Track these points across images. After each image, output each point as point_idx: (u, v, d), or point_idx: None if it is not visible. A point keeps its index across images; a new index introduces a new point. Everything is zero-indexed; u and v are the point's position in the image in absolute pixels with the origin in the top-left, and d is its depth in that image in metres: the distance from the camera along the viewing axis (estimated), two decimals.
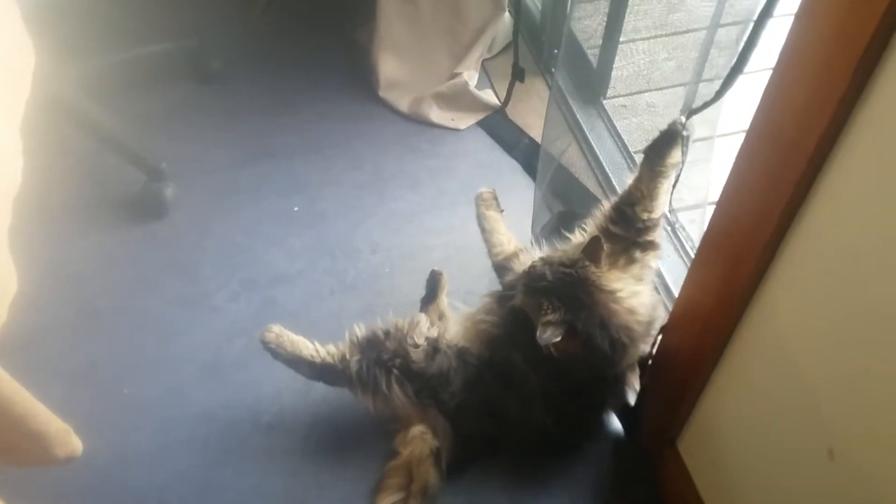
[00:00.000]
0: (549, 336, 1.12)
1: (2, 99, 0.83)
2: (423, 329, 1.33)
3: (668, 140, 1.25)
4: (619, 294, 1.18)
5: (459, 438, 1.33)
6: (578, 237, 1.31)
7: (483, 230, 1.45)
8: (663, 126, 1.27)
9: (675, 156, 1.26)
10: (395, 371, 1.30)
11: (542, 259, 1.23)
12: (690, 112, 1.29)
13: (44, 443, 0.83)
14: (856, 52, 0.72)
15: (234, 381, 1.49)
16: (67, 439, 0.86)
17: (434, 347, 1.31)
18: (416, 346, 1.31)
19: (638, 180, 1.27)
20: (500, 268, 1.38)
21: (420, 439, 1.32)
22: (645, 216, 1.25)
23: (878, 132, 0.75)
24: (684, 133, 1.24)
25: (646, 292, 1.24)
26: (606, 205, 1.30)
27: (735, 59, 1.20)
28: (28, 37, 0.92)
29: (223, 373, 1.50)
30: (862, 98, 0.75)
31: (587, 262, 1.18)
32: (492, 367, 1.30)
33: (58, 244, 1.67)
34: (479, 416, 1.31)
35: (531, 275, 1.21)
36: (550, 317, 1.14)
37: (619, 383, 1.33)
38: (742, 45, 1.18)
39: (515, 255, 1.38)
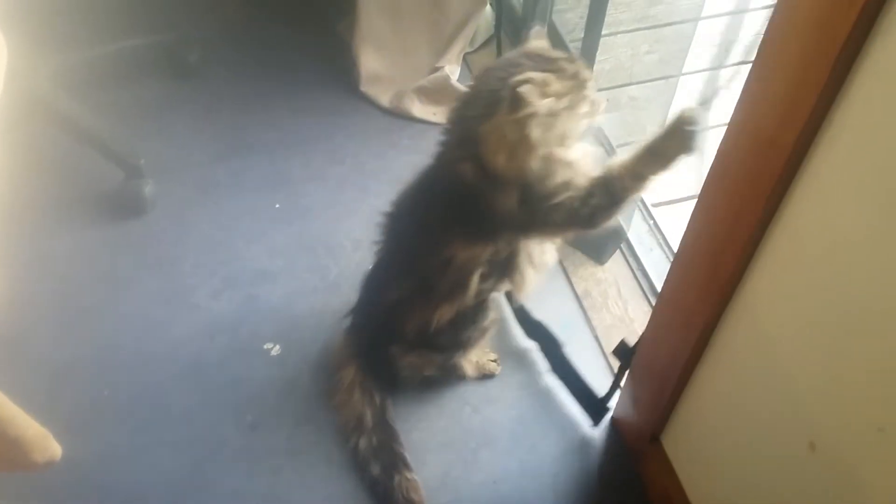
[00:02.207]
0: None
1: None
2: None
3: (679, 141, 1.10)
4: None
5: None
6: None
7: None
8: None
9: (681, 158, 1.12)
10: None
11: None
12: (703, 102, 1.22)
13: (22, 448, 0.81)
14: (835, 44, 0.72)
15: (216, 380, 1.48)
16: (46, 444, 0.85)
17: None
18: None
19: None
20: None
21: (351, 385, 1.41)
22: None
23: (859, 126, 0.75)
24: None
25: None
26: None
27: None
28: (0, 31, 0.90)
29: (205, 371, 1.49)
30: (842, 92, 0.75)
31: None
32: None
33: (35, 243, 1.65)
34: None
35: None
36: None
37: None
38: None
39: None
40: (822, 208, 0.82)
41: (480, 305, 1.31)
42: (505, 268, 1.24)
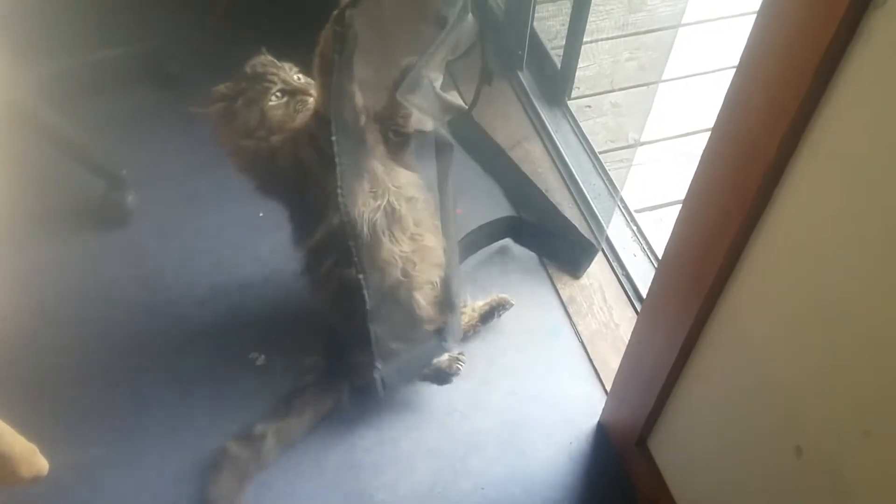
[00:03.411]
0: None
1: None
2: None
3: None
4: None
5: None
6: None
7: None
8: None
9: None
10: None
11: None
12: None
13: (9, 464, 0.81)
14: (817, 52, 0.72)
15: (201, 390, 1.47)
16: (33, 459, 0.84)
17: None
18: None
19: None
20: None
21: None
22: None
23: (841, 133, 0.76)
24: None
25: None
26: None
27: None
28: None
29: (190, 382, 1.48)
30: (824, 99, 0.76)
31: None
32: None
33: (17, 255, 1.63)
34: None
35: None
36: None
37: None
38: None
39: None
40: (806, 214, 0.83)
41: (358, 299, 1.26)
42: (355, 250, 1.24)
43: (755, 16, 0.80)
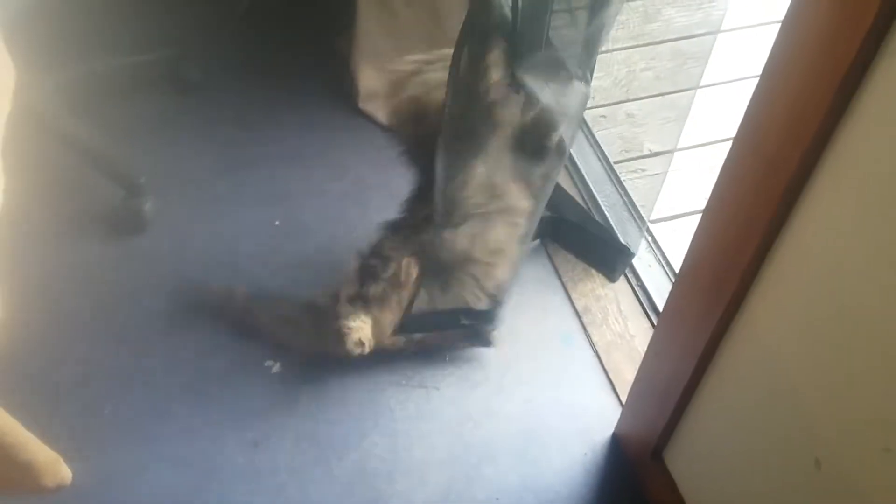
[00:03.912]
0: None
1: None
2: None
3: None
4: None
5: None
6: None
7: None
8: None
9: None
10: None
11: None
12: None
13: (33, 472, 0.81)
14: (842, 63, 0.72)
15: (217, 397, 1.47)
16: (57, 468, 0.85)
17: None
18: None
19: None
20: None
21: None
22: None
23: (864, 145, 0.75)
24: None
25: None
26: None
27: None
28: (7, 53, 0.91)
29: (206, 389, 1.48)
30: (848, 110, 0.76)
31: None
32: None
33: (35, 261, 1.64)
34: None
35: None
36: None
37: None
38: None
39: None
40: (828, 226, 0.82)
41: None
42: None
43: (779, 25, 0.80)
